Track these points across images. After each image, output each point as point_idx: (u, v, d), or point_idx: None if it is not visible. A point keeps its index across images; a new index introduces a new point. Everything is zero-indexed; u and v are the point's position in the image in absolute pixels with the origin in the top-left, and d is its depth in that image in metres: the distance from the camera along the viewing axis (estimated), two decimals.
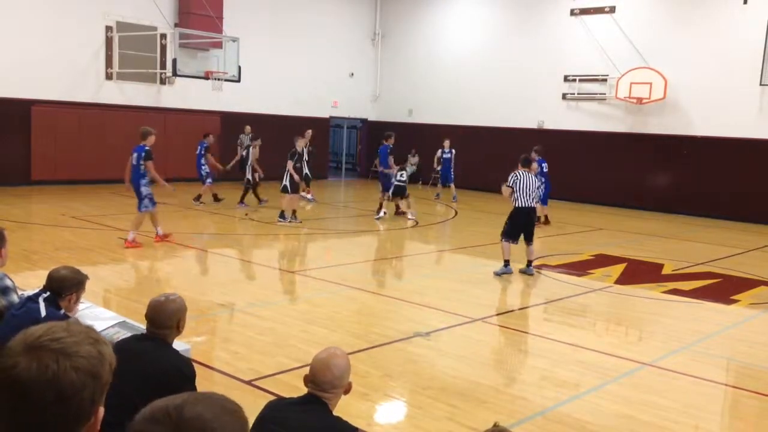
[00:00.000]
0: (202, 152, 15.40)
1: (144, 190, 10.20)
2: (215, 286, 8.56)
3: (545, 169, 13.88)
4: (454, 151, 18.82)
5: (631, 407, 5.18)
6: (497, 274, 9.67)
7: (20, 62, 16.42)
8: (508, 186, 9.78)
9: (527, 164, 10.01)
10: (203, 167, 15.34)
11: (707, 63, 17.49)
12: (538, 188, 9.90)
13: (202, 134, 15.99)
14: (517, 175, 9.76)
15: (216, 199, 15.52)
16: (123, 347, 3.41)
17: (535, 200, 9.87)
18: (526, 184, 9.70)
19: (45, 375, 1.22)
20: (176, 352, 3.51)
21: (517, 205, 9.75)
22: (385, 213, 14.58)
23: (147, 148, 10.18)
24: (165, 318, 3.41)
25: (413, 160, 19.07)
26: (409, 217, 14.61)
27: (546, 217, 14.56)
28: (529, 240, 9.87)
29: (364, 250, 12.32)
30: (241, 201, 15.44)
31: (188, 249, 10.70)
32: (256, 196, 15.69)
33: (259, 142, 15.77)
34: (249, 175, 15.42)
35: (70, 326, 1.32)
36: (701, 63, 17.59)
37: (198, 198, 15.34)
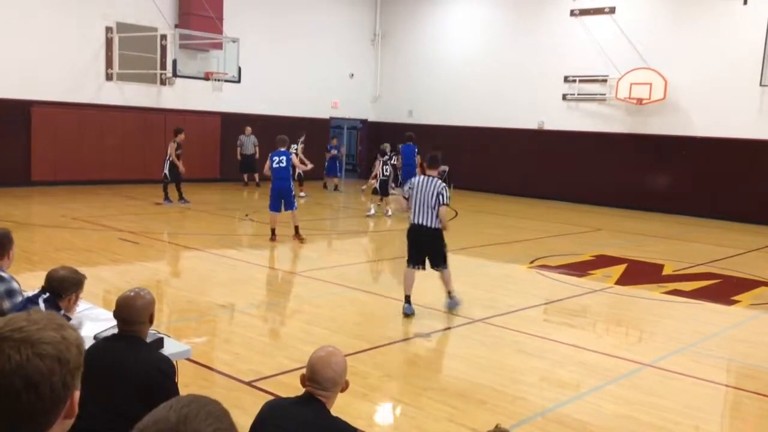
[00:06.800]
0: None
1: None
2: (216, 286, 8.55)
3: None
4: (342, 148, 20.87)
5: (632, 408, 5.18)
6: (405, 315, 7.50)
7: (20, 63, 16.42)
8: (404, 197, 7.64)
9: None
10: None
11: (707, 63, 17.49)
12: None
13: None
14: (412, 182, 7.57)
15: None
16: (97, 351, 3.34)
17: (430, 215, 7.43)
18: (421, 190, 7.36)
19: (9, 365, 1.24)
20: (152, 349, 3.47)
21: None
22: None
23: None
24: (136, 314, 3.36)
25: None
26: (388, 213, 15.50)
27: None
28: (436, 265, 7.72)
29: (364, 250, 12.33)
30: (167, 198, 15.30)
31: (189, 249, 10.71)
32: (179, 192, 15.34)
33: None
34: (166, 171, 15.04)
35: (32, 315, 1.34)
36: (701, 63, 17.59)
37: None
